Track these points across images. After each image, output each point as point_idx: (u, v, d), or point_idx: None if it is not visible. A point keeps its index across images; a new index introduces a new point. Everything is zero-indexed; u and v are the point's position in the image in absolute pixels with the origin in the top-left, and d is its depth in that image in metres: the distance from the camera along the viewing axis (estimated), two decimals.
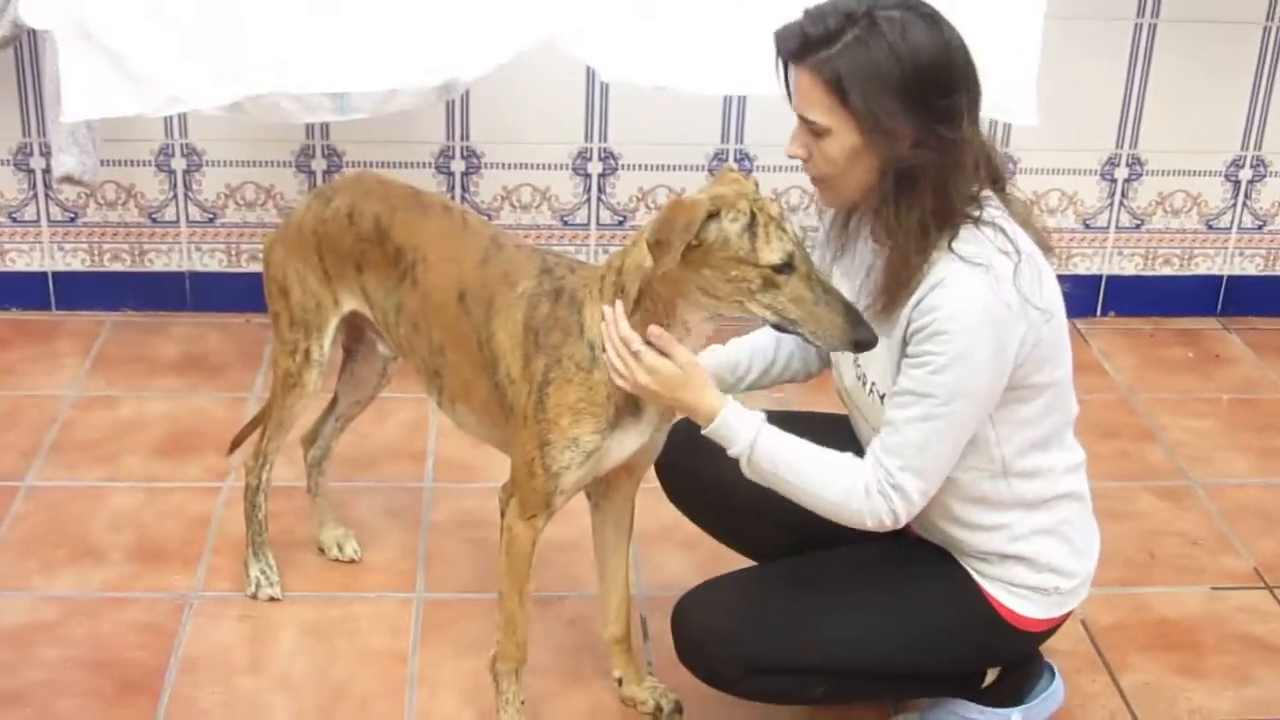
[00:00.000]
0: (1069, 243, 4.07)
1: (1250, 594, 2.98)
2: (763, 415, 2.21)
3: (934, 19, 2.06)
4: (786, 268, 2.08)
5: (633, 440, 2.29)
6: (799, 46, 2.07)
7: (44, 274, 3.91)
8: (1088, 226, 4.09)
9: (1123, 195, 4.07)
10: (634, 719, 2.56)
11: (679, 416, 2.31)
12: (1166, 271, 4.17)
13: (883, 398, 2.20)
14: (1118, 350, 3.99)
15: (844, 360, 2.31)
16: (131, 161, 3.80)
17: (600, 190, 3.92)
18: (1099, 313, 4.18)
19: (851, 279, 2.28)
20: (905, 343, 2.12)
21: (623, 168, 3.90)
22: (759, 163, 3.90)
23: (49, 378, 3.62)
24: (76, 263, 3.91)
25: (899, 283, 2.12)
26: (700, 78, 3.22)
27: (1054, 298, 2.17)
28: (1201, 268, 4.18)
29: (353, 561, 2.94)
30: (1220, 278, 4.19)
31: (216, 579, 2.88)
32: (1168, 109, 3.96)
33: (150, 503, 3.12)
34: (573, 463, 2.24)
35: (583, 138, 3.86)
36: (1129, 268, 4.16)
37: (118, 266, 3.91)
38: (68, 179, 3.39)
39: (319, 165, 3.84)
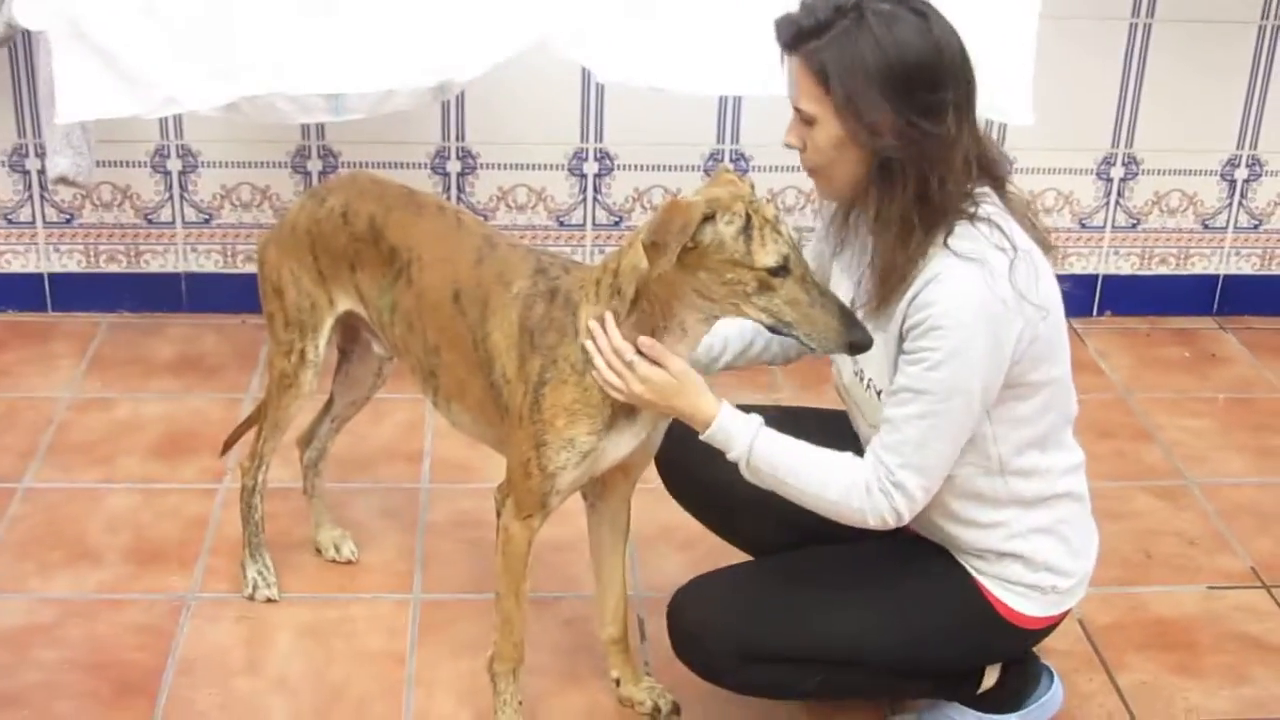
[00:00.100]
0: (1065, 242, 4.07)
1: (1247, 593, 2.98)
2: (760, 418, 2.21)
3: (925, 15, 2.08)
4: (782, 270, 2.08)
5: (628, 441, 2.29)
6: (792, 36, 2.10)
7: (40, 275, 3.91)
8: (1083, 226, 4.09)
9: (1118, 195, 4.07)
10: (631, 719, 2.56)
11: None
12: (1163, 271, 4.18)
13: (879, 394, 2.20)
14: (1114, 350, 3.99)
15: (842, 356, 2.31)
16: (127, 162, 3.80)
17: (596, 191, 3.92)
18: (1095, 312, 4.18)
19: (850, 275, 2.29)
20: (902, 338, 2.13)
21: (618, 168, 3.90)
22: (755, 163, 3.90)
23: (45, 379, 3.61)
24: (72, 264, 3.90)
25: (888, 277, 2.12)
26: (696, 78, 3.22)
27: (1051, 295, 2.17)
28: (1197, 267, 4.18)
29: (349, 562, 2.94)
30: (1216, 277, 4.19)
31: (213, 580, 2.88)
32: (1163, 108, 3.96)
33: (147, 504, 3.12)
34: (568, 463, 2.24)
35: (578, 138, 3.86)
36: (1125, 267, 4.16)
37: (113, 268, 3.91)
38: (62, 180, 3.39)
39: (315, 166, 3.84)
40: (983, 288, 2.07)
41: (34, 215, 3.85)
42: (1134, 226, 4.11)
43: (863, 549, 2.34)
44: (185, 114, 3.47)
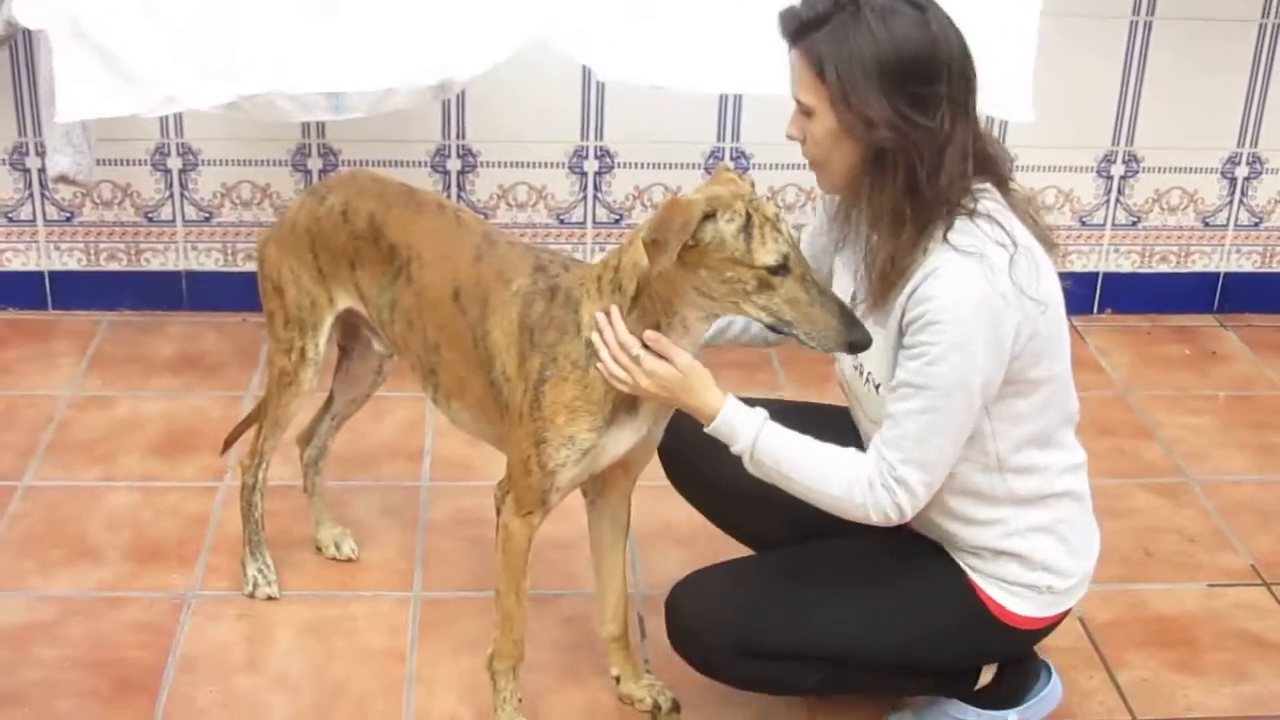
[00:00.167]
0: (1065, 240, 4.06)
1: (1247, 591, 2.98)
2: (764, 412, 2.21)
3: (924, 9, 2.09)
4: (781, 269, 2.08)
5: (629, 437, 2.29)
6: (794, 29, 2.12)
7: (40, 273, 3.91)
8: (1084, 224, 4.09)
9: (1119, 192, 4.07)
10: (631, 717, 2.56)
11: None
12: (1163, 268, 4.17)
13: (878, 388, 2.20)
14: (1114, 347, 3.99)
15: None
16: (127, 161, 3.80)
17: (596, 189, 3.92)
18: (1095, 310, 4.18)
19: (850, 270, 2.30)
20: (901, 333, 2.13)
21: (619, 166, 3.90)
22: (755, 161, 3.90)
23: (45, 377, 3.62)
24: (73, 262, 3.90)
25: (884, 272, 2.13)
26: (696, 76, 3.22)
27: (1051, 291, 2.17)
28: (1198, 265, 4.18)
29: (350, 560, 2.94)
30: (1217, 274, 4.19)
31: (214, 578, 2.88)
32: (1164, 106, 3.96)
33: (147, 502, 3.12)
34: (569, 460, 2.24)
35: (579, 136, 3.86)
36: (1125, 265, 4.16)
37: (114, 266, 3.91)
38: (63, 179, 3.39)
39: (315, 164, 3.84)
40: (982, 282, 2.07)
41: (34, 213, 3.85)
42: (1134, 224, 4.11)
43: (862, 546, 2.34)
44: (185, 112, 3.47)
